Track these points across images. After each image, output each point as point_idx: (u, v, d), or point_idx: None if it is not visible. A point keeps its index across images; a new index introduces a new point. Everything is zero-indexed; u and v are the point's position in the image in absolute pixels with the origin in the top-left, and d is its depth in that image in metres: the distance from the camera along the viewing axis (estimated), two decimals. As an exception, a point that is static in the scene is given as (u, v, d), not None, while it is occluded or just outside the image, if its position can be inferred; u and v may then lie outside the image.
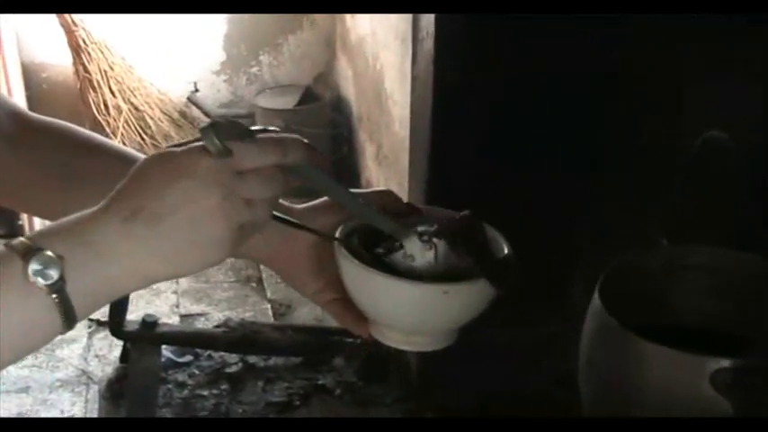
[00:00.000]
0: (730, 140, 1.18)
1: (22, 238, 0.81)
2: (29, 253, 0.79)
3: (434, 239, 0.97)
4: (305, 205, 1.09)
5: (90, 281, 0.82)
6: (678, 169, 1.29)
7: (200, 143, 0.83)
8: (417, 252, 0.97)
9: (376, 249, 0.99)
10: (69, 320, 0.81)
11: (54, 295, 0.79)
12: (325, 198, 1.07)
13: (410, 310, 0.96)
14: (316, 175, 0.94)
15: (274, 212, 0.96)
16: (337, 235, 1.01)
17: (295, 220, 1.02)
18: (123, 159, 1.09)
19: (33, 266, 0.78)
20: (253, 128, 0.88)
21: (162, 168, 0.84)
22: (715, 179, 1.45)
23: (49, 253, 0.79)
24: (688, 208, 1.29)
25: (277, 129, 0.92)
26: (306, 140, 0.92)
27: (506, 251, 1.01)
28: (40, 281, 0.78)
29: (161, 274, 0.85)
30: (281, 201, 1.09)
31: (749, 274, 1.36)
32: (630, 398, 1.22)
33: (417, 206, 1.06)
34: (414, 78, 1.93)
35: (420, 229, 0.99)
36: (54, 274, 0.79)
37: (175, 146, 0.86)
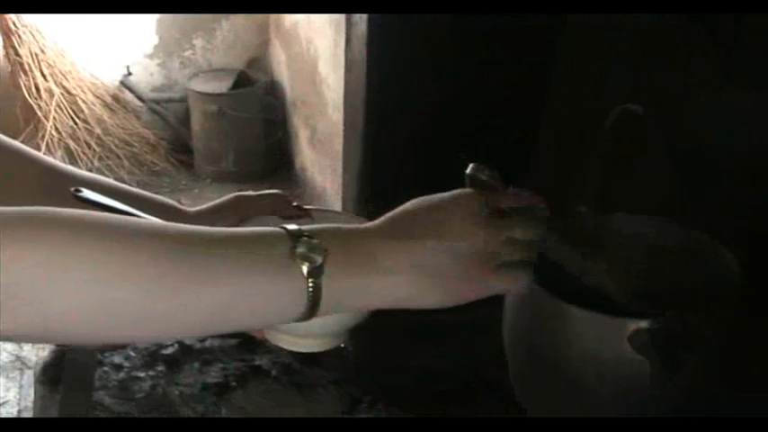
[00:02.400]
0: (646, 112, 1.22)
1: (292, 225, 0.84)
2: (298, 236, 0.82)
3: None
4: (202, 207, 1.10)
5: (344, 282, 0.84)
6: (595, 141, 1.33)
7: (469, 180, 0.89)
8: None
9: None
10: (312, 310, 0.83)
11: (310, 280, 0.81)
12: (222, 200, 1.10)
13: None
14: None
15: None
16: None
17: None
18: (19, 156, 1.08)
19: (300, 249, 0.81)
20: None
21: (434, 212, 0.88)
22: (631, 150, 1.48)
23: (317, 241, 0.82)
24: (606, 178, 1.32)
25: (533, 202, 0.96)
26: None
27: None
28: (303, 263, 0.81)
29: (406, 302, 0.88)
30: (175, 203, 1.11)
31: (667, 241, 1.41)
32: (554, 360, 1.26)
33: (306, 207, 1.09)
34: (347, 62, 1.94)
35: None
36: (318, 259, 0.81)
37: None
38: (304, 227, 0.84)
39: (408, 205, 0.89)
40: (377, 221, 0.88)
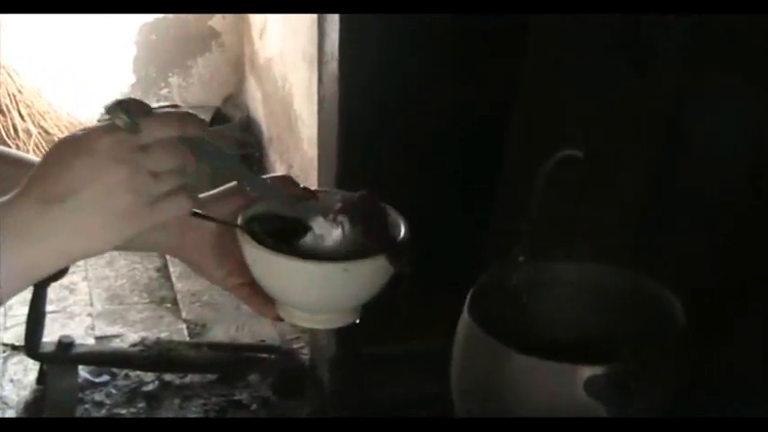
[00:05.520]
0: (585, 158, 1.24)
1: None
2: None
3: (340, 217, 1.02)
4: (205, 194, 1.12)
5: (13, 264, 0.84)
6: (532, 187, 1.35)
7: (107, 122, 0.87)
8: (325, 231, 1.02)
9: (287, 234, 1.03)
10: None
11: None
12: (225, 187, 1.11)
13: (313, 289, 1.01)
14: (214, 151, 0.97)
15: None
16: (238, 222, 1.04)
17: (194, 210, 1.02)
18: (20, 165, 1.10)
19: None
20: (155, 105, 0.92)
21: (68, 148, 0.87)
22: (569, 196, 1.50)
23: None
24: (540, 225, 1.34)
25: (179, 105, 0.96)
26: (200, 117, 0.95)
27: (403, 233, 1.05)
28: None
29: (82, 251, 0.89)
30: None
31: (605, 285, 1.43)
32: (506, 411, 1.26)
33: (313, 190, 1.10)
34: (320, 99, 1.98)
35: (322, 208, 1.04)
36: None
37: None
38: None
39: (47, 155, 0.88)
40: (22, 185, 0.87)
